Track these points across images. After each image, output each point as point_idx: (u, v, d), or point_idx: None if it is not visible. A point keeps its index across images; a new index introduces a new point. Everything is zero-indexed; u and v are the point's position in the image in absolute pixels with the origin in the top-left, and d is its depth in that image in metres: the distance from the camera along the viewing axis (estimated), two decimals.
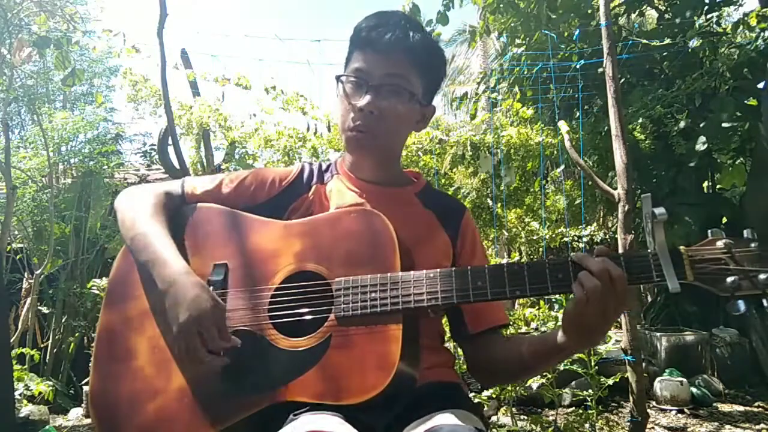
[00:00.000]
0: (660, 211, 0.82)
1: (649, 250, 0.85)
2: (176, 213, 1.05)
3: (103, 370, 0.98)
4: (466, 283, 0.88)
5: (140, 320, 0.98)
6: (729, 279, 0.79)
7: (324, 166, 1.16)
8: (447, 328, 1.19)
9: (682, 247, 0.83)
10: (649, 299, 5.05)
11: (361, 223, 0.97)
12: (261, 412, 0.89)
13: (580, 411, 2.85)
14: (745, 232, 0.82)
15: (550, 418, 3.15)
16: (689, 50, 4.36)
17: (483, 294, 0.88)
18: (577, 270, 0.84)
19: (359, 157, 1.10)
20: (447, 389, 1.02)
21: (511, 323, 3.00)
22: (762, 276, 0.78)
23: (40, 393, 3.66)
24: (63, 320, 4.77)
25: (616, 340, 3.27)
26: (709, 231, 0.85)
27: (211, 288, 0.94)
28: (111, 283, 1.04)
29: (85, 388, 4.02)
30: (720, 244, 0.81)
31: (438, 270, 0.90)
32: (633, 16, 5.26)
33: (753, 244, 0.80)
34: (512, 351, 1.03)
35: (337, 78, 1.08)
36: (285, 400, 0.88)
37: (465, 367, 1.17)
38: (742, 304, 0.80)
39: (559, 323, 0.92)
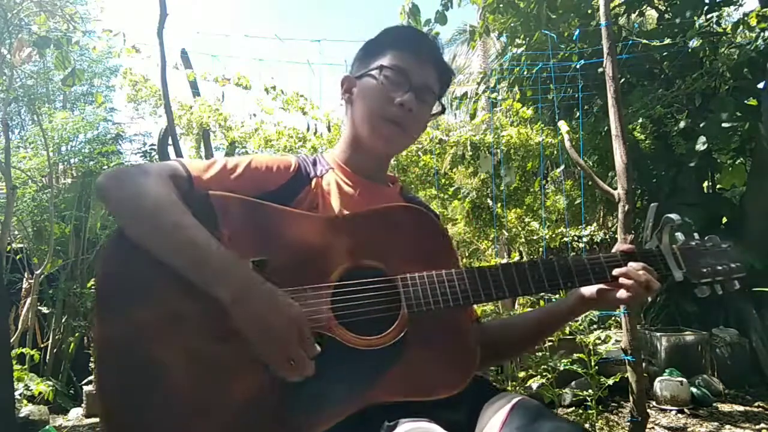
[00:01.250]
0: (677, 217, 1.03)
1: (651, 248, 1.06)
2: (186, 200, 0.89)
3: (119, 391, 0.81)
4: (525, 276, 0.97)
5: (164, 329, 0.82)
6: (703, 269, 1.05)
7: (312, 160, 1.14)
8: None
9: (674, 246, 1.07)
10: (649, 299, 5.05)
11: (414, 220, 0.99)
12: (349, 418, 0.82)
13: (580, 411, 2.86)
14: (695, 234, 1.09)
15: None
16: (689, 50, 4.36)
17: (542, 287, 0.97)
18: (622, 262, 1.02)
19: (379, 148, 1.09)
20: (484, 381, 1.06)
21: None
22: (719, 267, 1.06)
23: (40, 393, 3.67)
24: (63, 320, 4.77)
25: (616, 340, 3.27)
26: (679, 234, 1.08)
27: None
28: (106, 285, 0.85)
29: (86, 388, 4.02)
30: (692, 243, 1.08)
31: (500, 265, 0.98)
32: (633, 16, 5.25)
33: (708, 244, 1.08)
34: (505, 331, 1.16)
35: (380, 67, 1.07)
36: (371, 403, 0.83)
37: None
38: (706, 289, 1.05)
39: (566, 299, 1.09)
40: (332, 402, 0.83)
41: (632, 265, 1.00)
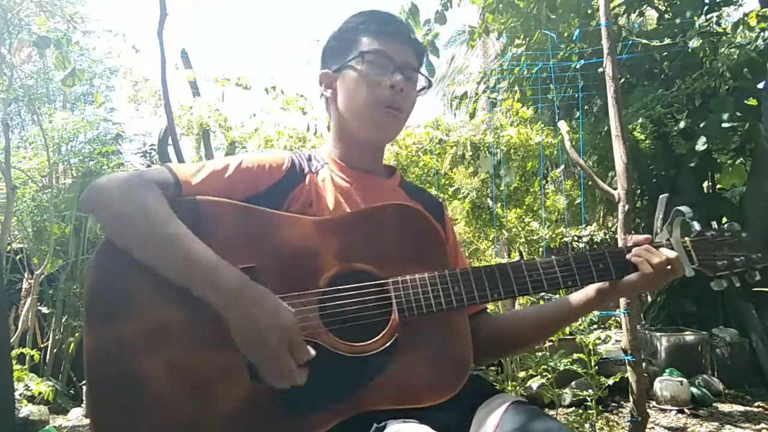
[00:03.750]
0: (687, 209, 1.00)
1: (663, 242, 1.02)
2: (174, 206, 0.88)
3: (110, 404, 0.81)
4: (523, 276, 0.94)
5: (152, 339, 0.82)
6: (719, 263, 1.01)
7: (306, 155, 1.11)
8: None
9: (686, 239, 1.03)
10: (649, 299, 5.05)
11: (406, 219, 0.95)
12: (341, 425, 0.83)
13: (580, 411, 2.85)
14: (712, 223, 1.05)
15: None
16: (689, 50, 4.35)
17: (539, 286, 0.94)
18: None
19: (378, 136, 1.08)
20: (480, 380, 1.04)
21: None
22: (737, 259, 1.01)
23: (40, 393, 3.66)
24: (63, 320, 4.76)
25: (616, 340, 3.26)
26: (695, 223, 1.04)
27: None
28: (93, 294, 0.84)
29: (86, 389, 4.01)
30: (708, 235, 1.03)
31: (495, 265, 0.94)
32: (633, 16, 5.25)
33: (726, 234, 1.04)
34: (511, 325, 1.12)
35: (361, 55, 1.03)
36: (361, 411, 0.83)
37: None
38: (723, 282, 1.01)
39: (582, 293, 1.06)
40: (322, 410, 0.82)
41: (645, 247, 0.99)
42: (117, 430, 0.81)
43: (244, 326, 0.79)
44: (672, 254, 0.98)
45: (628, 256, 0.99)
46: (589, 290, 1.03)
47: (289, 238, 0.91)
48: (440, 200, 1.22)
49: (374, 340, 0.87)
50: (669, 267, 0.97)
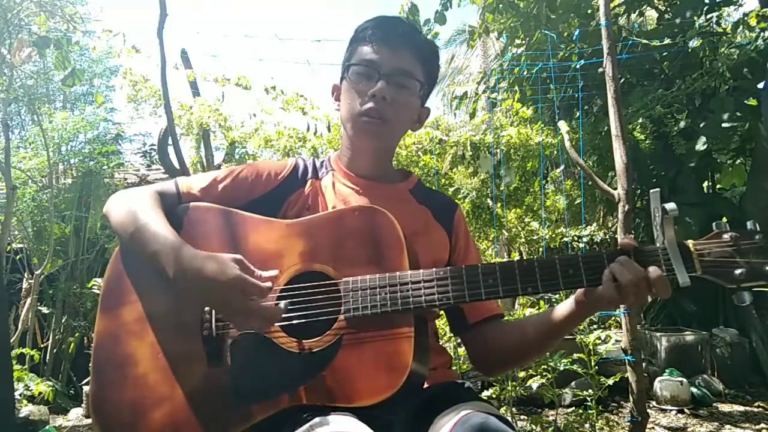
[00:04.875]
0: (671, 206, 0.83)
1: (657, 245, 0.87)
2: (171, 213, 1.01)
3: (103, 377, 0.95)
4: (477, 281, 0.89)
5: (140, 325, 0.96)
6: (737, 271, 0.81)
7: (318, 162, 1.16)
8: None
9: (690, 242, 0.85)
10: (649, 299, 5.05)
11: (368, 221, 0.96)
12: (272, 417, 0.87)
13: (580, 411, 2.85)
14: (748, 224, 0.84)
15: (550, 418, 3.15)
16: (689, 50, 4.35)
17: (494, 292, 0.89)
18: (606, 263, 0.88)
19: (366, 144, 1.10)
20: (457, 388, 1.04)
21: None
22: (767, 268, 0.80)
23: (40, 393, 3.66)
24: (63, 320, 4.77)
25: (616, 340, 3.26)
26: (714, 224, 0.87)
27: None
28: (105, 287, 1.00)
29: (86, 388, 4.01)
30: (726, 237, 0.83)
31: (448, 268, 0.92)
32: (633, 16, 5.25)
33: (757, 236, 0.82)
34: (516, 333, 1.07)
35: (347, 66, 1.09)
36: (297, 404, 0.86)
37: (465, 367, 1.19)
38: (747, 295, 0.82)
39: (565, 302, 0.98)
40: (264, 399, 0.88)
41: (618, 260, 0.86)
42: (108, 402, 0.93)
43: (197, 288, 0.87)
44: (654, 271, 0.83)
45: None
46: (571, 301, 0.96)
47: (261, 239, 0.99)
48: (455, 203, 1.21)
49: (318, 338, 0.90)
50: (647, 284, 0.84)
